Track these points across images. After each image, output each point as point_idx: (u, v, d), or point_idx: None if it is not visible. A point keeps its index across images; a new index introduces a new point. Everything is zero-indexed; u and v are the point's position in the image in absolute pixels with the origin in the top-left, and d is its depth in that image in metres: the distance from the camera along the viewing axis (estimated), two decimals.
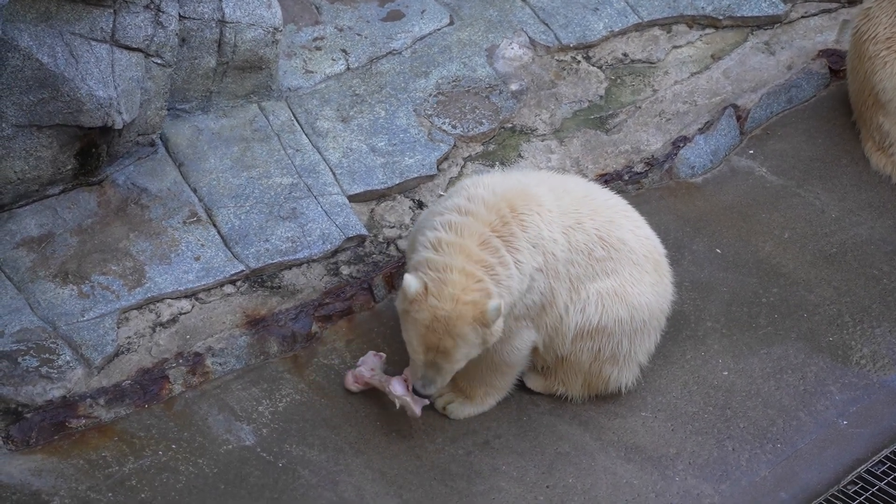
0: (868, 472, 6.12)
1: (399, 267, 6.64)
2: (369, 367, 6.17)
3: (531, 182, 5.96)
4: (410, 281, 5.70)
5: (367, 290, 6.60)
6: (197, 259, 6.47)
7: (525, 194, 5.86)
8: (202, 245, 6.51)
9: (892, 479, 6.09)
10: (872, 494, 6.03)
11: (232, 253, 6.51)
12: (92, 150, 6.44)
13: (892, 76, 7.08)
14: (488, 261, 5.75)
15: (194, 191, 6.66)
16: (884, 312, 6.66)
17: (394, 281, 6.64)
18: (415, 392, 5.92)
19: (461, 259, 5.71)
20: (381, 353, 6.21)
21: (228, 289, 6.47)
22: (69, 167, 6.43)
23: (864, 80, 7.16)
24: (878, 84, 7.10)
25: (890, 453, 6.18)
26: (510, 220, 5.80)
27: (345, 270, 6.63)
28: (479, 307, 5.66)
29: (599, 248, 5.96)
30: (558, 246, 5.87)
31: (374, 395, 6.29)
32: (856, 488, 6.06)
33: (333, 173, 6.85)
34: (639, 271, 6.03)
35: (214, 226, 6.58)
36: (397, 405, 6.00)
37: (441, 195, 6.90)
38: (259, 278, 6.52)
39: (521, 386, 6.27)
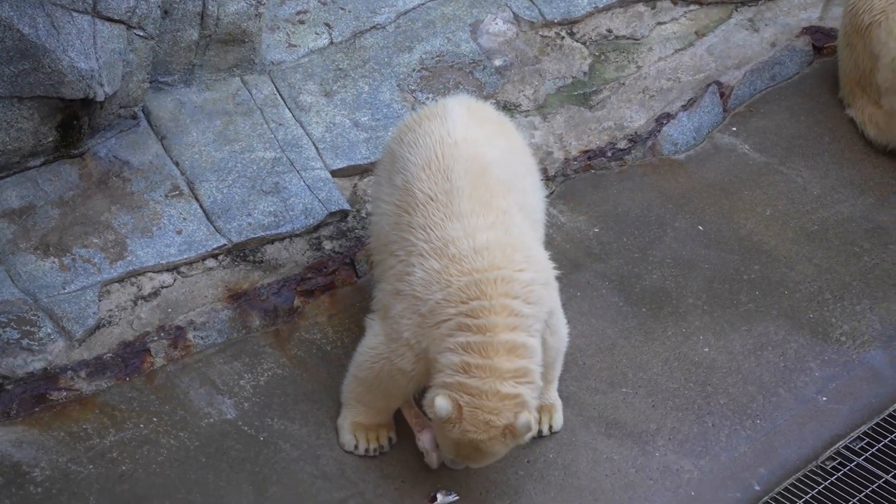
0: (846, 447, 6.15)
1: None
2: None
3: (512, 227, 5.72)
4: (442, 405, 5.49)
5: (349, 265, 6.60)
6: (179, 233, 6.45)
7: (511, 247, 5.65)
8: (184, 219, 6.50)
9: (869, 454, 6.12)
10: (850, 470, 6.07)
11: (214, 227, 6.50)
12: (73, 122, 6.41)
13: (886, 28, 7.04)
14: (521, 367, 5.55)
15: (176, 164, 6.64)
16: (864, 289, 6.69)
17: None
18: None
19: (495, 383, 5.50)
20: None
21: (210, 263, 6.46)
22: (50, 139, 6.40)
23: (862, 50, 7.13)
24: (874, 39, 7.06)
25: (868, 429, 6.21)
26: (520, 295, 5.60)
27: (327, 245, 6.62)
28: (511, 428, 5.52)
29: None
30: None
31: None
32: (834, 464, 6.10)
33: (316, 148, 6.84)
34: None
35: (196, 199, 6.56)
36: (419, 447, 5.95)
37: None
38: (241, 252, 6.51)
39: None
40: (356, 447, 5.97)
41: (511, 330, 5.52)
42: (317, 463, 5.97)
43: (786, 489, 6.00)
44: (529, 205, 5.90)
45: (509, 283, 5.56)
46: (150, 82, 6.67)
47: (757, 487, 5.95)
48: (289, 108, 6.93)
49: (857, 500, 5.97)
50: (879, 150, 7.23)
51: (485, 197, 5.69)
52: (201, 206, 6.54)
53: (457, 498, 5.88)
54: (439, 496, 5.88)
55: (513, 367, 5.50)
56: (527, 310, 5.57)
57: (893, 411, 6.27)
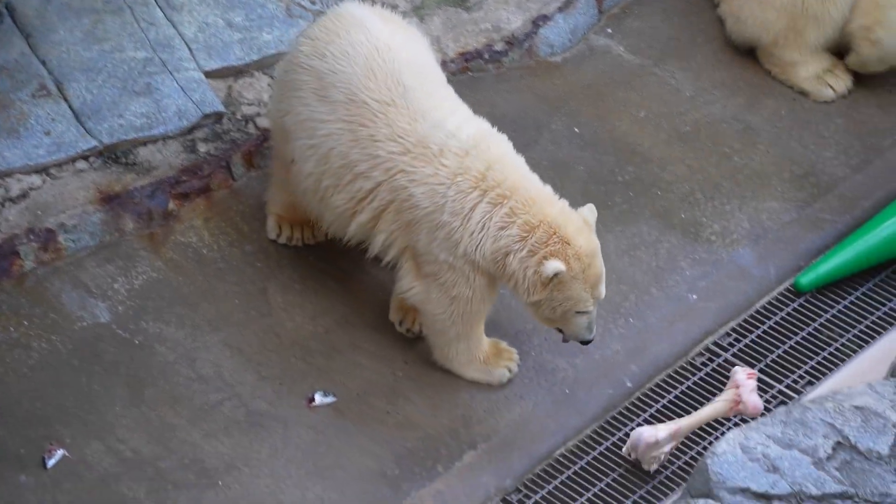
0: (715, 343, 6.30)
1: (258, 145, 6.58)
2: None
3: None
4: (552, 265, 5.57)
5: (225, 168, 6.54)
6: (47, 134, 6.32)
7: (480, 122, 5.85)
8: (52, 119, 6.36)
9: (736, 349, 6.28)
10: (718, 365, 6.22)
11: (84, 128, 6.38)
12: None
13: None
14: (549, 193, 5.77)
15: (43, 63, 6.49)
16: (734, 189, 6.81)
17: (252, 159, 6.58)
18: (584, 343, 5.90)
19: (556, 220, 5.65)
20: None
21: (81, 164, 6.35)
22: None
23: None
24: None
25: (736, 325, 6.36)
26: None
27: (202, 148, 6.55)
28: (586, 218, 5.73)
29: None
30: None
31: (231, 272, 6.28)
32: (703, 359, 6.24)
33: (189, 48, 6.72)
34: None
35: (65, 100, 6.43)
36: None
37: None
38: (113, 154, 6.41)
39: (379, 264, 6.29)
40: (510, 371, 6.02)
41: (525, 177, 5.67)
42: (193, 366, 5.95)
43: (656, 385, 6.13)
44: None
45: (499, 144, 5.71)
46: None
47: (629, 384, 6.07)
48: (160, 7, 6.79)
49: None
50: (739, 49, 7.32)
51: (436, 92, 5.74)
52: (70, 107, 6.41)
53: (335, 399, 5.91)
54: (317, 397, 5.91)
55: (549, 194, 5.68)
56: (518, 160, 5.73)
57: (760, 308, 6.43)
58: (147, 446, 5.70)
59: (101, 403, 5.78)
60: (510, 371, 6.01)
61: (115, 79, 6.53)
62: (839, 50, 7.21)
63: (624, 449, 5.84)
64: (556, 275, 5.58)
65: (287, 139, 5.94)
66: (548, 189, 5.72)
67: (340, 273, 6.32)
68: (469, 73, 7.12)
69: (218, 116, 6.62)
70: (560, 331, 5.85)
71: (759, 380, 6.05)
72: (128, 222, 6.32)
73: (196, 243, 6.34)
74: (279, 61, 6.82)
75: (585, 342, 5.88)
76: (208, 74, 6.70)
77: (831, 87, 7.16)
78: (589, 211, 5.73)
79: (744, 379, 5.79)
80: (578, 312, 5.73)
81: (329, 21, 5.91)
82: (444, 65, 7.07)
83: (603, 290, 5.75)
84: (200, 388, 5.89)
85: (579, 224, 5.65)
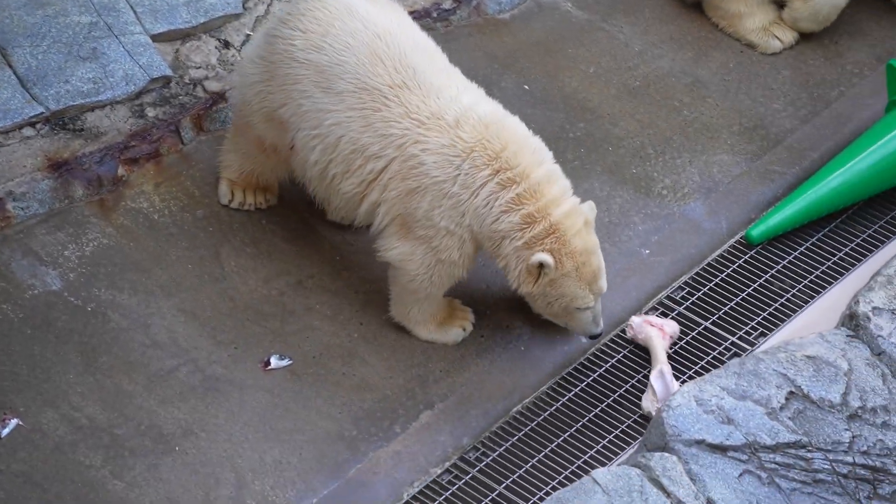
0: (668, 297, 6.34)
1: (207, 108, 6.53)
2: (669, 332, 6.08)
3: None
4: (544, 258, 5.61)
5: (174, 132, 6.49)
6: None
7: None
8: None
9: (689, 303, 6.32)
10: (672, 318, 6.24)
11: (30, 94, 6.30)
12: None
13: None
14: (564, 186, 5.77)
15: None
16: (684, 143, 6.84)
17: (202, 123, 6.53)
18: (591, 337, 6.00)
19: (559, 214, 5.68)
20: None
21: (28, 131, 6.28)
22: None
23: None
24: None
25: (688, 279, 6.40)
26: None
27: (150, 112, 6.49)
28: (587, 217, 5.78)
29: None
30: None
31: (183, 237, 6.24)
32: (656, 314, 6.27)
33: (134, 11, 6.65)
34: None
35: (10, 66, 6.34)
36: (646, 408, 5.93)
37: (249, 34, 6.77)
38: (60, 120, 6.34)
39: (333, 226, 6.28)
40: (464, 330, 6.04)
41: (539, 165, 5.68)
42: (147, 332, 5.92)
43: (611, 339, 6.16)
44: None
45: (515, 126, 5.71)
46: None
47: (584, 340, 6.10)
48: None
49: (678, 346, 6.17)
50: (686, 2, 7.32)
51: (445, 70, 5.76)
52: (15, 73, 6.33)
53: (291, 362, 5.91)
54: (273, 360, 5.90)
55: (559, 191, 5.68)
56: (534, 142, 5.74)
57: (712, 261, 6.47)
58: (102, 413, 5.68)
59: (54, 372, 5.74)
60: (464, 330, 6.03)
61: (59, 44, 6.45)
62: (783, 2, 7.24)
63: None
64: (541, 266, 5.62)
65: (281, 128, 5.89)
66: (562, 184, 5.73)
67: (294, 236, 6.30)
68: None
69: (166, 80, 6.56)
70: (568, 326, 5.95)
71: (713, 332, 6.15)
72: (77, 189, 6.27)
73: (147, 209, 6.30)
74: (226, 24, 6.80)
75: (593, 336, 5.97)
76: (155, 38, 6.64)
77: (778, 38, 7.19)
78: (589, 208, 5.78)
79: (641, 321, 6.02)
80: (578, 309, 5.79)
81: (317, 11, 5.80)
82: None
83: (604, 285, 5.81)
84: (155, 353, 5.87)
85: (580, 226, 5.70)
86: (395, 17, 5.83)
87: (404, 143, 5.66)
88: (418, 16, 7.07)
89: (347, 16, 5.76)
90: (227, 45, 6.76)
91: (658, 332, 6.02)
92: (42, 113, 6.29)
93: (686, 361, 6.10)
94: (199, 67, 6.68)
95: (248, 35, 6.79)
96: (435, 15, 7.13)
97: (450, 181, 5.64)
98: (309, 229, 6.32)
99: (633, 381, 6.02)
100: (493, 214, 5.64)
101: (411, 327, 6.01)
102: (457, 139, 5.63)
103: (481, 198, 5.63)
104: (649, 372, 5.96)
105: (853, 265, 6.49)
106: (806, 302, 6.36)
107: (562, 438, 5.86)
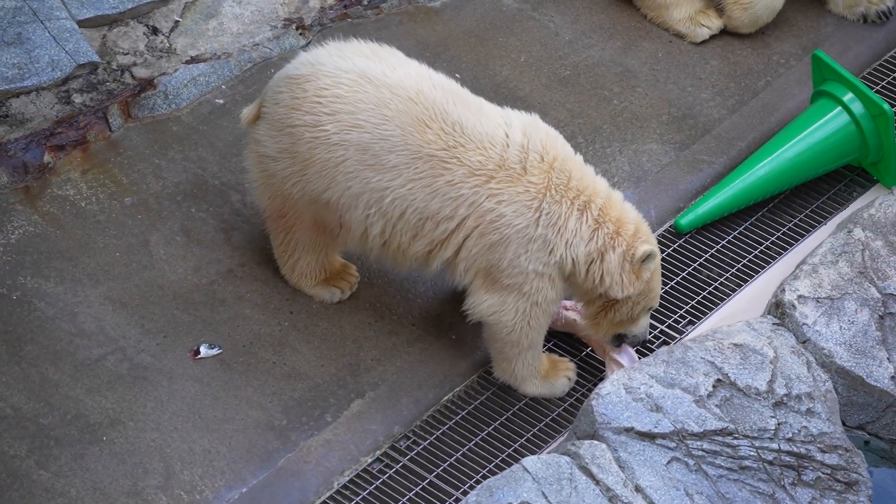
0: None
1: (135, 95, 6.48)
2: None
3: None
4: (649, 249, 5.67)
5: (102, 119, 6.43)
6: None
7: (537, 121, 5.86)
8: None
9: None
10: None
11: None
12: None
13: None
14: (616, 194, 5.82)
15: None
16: (614, 132, 6.88)
17: (129, 109, 6.47)
18: (642, 344, 6.04)
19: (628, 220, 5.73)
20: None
21: None
22: None
23: None
24: None
25: None
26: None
27: (77, 99, 6.43)
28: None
29: None
30: None
31: (111, 225, 6.19)
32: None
33: None
34: None
35: None
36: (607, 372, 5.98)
37: (177, 20, 6.72)
38: None
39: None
40: (569, 380, 6.03)
41: (595, 177, 5.74)
42: (74, 321, 5.87)
43: None
44: None
45: (564, 146, 5.72)
46: None
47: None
48: None
49: None
50: None
51: (478, 108, 5.71)
52: None
53: (220, 351, 5.88)
54: (202, 349, 5.87)
55: (617, 195, 5.76)
56: (579, 157, 5.77)
57: None
58: (28, 403, 5.62)
59: None
60: (569, 380, 6.04)
61: None
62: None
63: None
64: (647, 258, 5.67)
65: (327, 209, 5.75)
66: (605, 181, 5.79)
67: (224, 225, 6.27)
68: (349, 19, 7.07)
69: (93, 66, 6.50)
70: (618, 337, 5.92)
71: None
72: (2, 175, 6.20)
73: (74, 196, 6.24)
74: (154, 10, 6.74)
75: (644, 343, 6.01)
76: (81, 24, 6.57)
77: (705, 25, 7.27)
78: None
79: (557, 308, 6.05)
80: (648, 309, 5.85)
81: (334, 88, 5.64)
82: (322, 11, 7.02)
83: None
84: (82, 342, 5.81)
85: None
86: (411, 71, 5.73)
87: (477, 199, 5.63)
88: (349, 3, 7.06)
89: (369, 85, 5.63)
90: (155, 31, 6.70)
91: (576, 314, 6.06)
92: None
93: None
94: (127, 54, 6.62)
95: (177, 21, 6.75)
96: (366, 2, 7.12)
97: (532, 225, 5.63)
98: (238, 218, 6.29)
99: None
100: (586, 237, 5.66)
101: (517, 385, 5.99)
102: (529, 185, 5.62)
103: (570, 229, 5.65)
104: (584, 356, 6.00)
105: (780, 254, 6.57)
106: (734, 290, 6.43)
107: (492, 427, 5.89)
